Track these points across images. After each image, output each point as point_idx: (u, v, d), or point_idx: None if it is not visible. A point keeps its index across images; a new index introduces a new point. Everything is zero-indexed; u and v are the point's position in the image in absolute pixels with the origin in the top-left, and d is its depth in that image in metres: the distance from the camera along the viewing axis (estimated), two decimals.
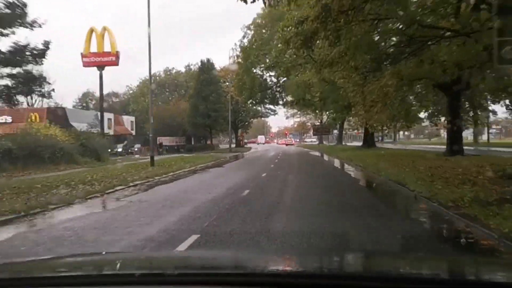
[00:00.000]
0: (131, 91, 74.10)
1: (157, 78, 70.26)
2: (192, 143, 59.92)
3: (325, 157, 34.95)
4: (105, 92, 79.53)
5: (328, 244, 5.98)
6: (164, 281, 1.50)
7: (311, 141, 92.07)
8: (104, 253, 3.79)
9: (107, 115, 51.06)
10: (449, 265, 1.97)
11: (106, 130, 48.87)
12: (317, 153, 41.80)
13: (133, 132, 58.35)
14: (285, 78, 40.22)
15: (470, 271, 1.82)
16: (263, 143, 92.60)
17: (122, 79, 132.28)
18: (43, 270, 1.83)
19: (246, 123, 72.18)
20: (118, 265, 1.85)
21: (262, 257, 2.26)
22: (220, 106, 52.73)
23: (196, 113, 51.85)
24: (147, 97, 63.22)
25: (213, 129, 55.07)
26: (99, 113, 42.10)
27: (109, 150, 40.64)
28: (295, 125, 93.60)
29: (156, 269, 1.84)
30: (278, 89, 46.13)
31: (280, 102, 50.31)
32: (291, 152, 47.24)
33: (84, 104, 71.43)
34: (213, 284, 1.49)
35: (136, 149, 46.84)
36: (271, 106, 63.64)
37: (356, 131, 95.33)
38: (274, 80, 44.91)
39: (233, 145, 61.90)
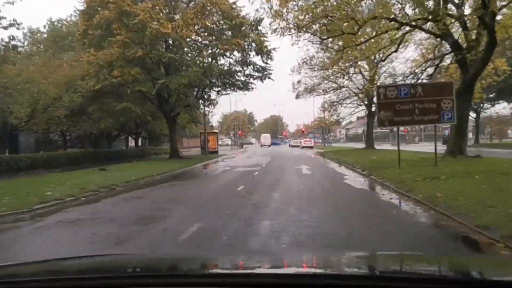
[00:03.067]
0: None
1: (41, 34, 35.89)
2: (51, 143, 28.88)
3: None
4: None
5: None
6: (161, 283, 1.45)
7: (353, 136, 60.42)
8: (102, 255, 3.59)
9: None
10: (450, 264, 1.89)
11: None
12: None
13: None
14: None
15: (471, 270, 1.74)
16: (268, 145, 67.56)
17: None
18: (34, 274, 1.72)
19: (191, 97, 29.97)
20: (114, 267, 1.85)
21: (261, 258, 2.19)
22: None
23: None
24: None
25: None
26: None
27: None
28: (316, 121, 65.61)
29: (151, 270, 1.77)
30: None
31: None
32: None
33: None
34: (212, 285, 1.45)
35: None
36: (256, 61, 28.56)
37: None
38: None
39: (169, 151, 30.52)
